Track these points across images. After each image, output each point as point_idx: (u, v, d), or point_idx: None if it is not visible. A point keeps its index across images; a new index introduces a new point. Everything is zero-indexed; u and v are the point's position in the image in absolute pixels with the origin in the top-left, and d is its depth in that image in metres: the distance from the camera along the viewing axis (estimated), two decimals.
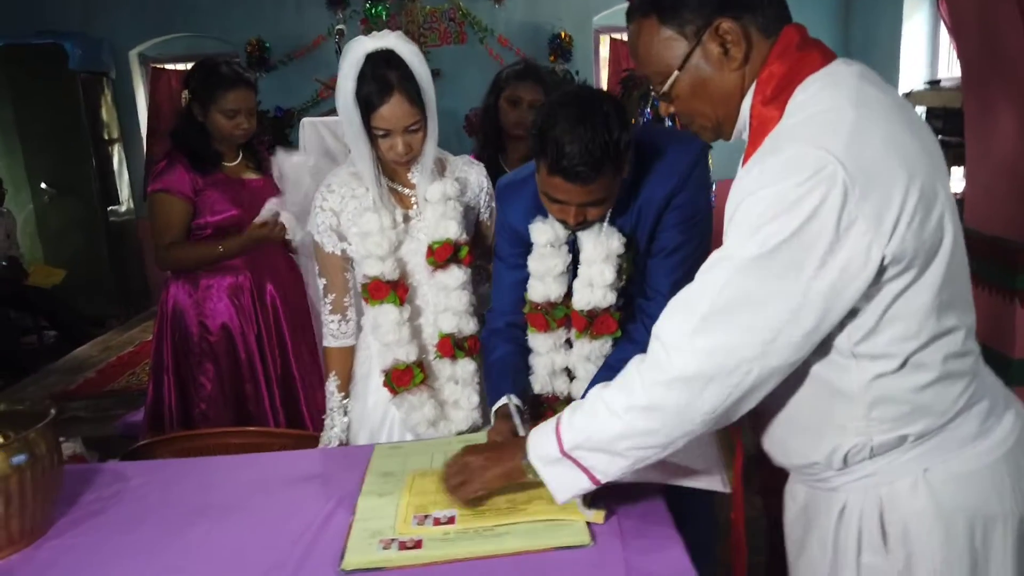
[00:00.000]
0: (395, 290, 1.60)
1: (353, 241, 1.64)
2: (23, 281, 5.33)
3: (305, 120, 3.71)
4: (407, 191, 1.67)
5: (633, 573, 1.05)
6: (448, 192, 1.63)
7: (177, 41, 6.54)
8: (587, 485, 1.08)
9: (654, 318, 1.44)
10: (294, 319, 2.54)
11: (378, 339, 1.63)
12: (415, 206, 1.67)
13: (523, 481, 1.16)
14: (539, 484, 1.13)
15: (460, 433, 1.64)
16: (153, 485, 1.45)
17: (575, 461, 1.06)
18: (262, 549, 1.19)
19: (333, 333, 1.74)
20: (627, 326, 1.49)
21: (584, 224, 1.38)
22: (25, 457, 1.23)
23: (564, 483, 1.09)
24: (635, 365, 1.02)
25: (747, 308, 0.89)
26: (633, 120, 5.37)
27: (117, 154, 6.57)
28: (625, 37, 7.28)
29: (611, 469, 1.05)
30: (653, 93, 1.07)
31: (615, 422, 1.00)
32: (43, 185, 5.99)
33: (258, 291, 2.47)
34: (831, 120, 0.88)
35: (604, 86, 6.46)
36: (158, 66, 6.65)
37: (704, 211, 1.45)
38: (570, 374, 1.56)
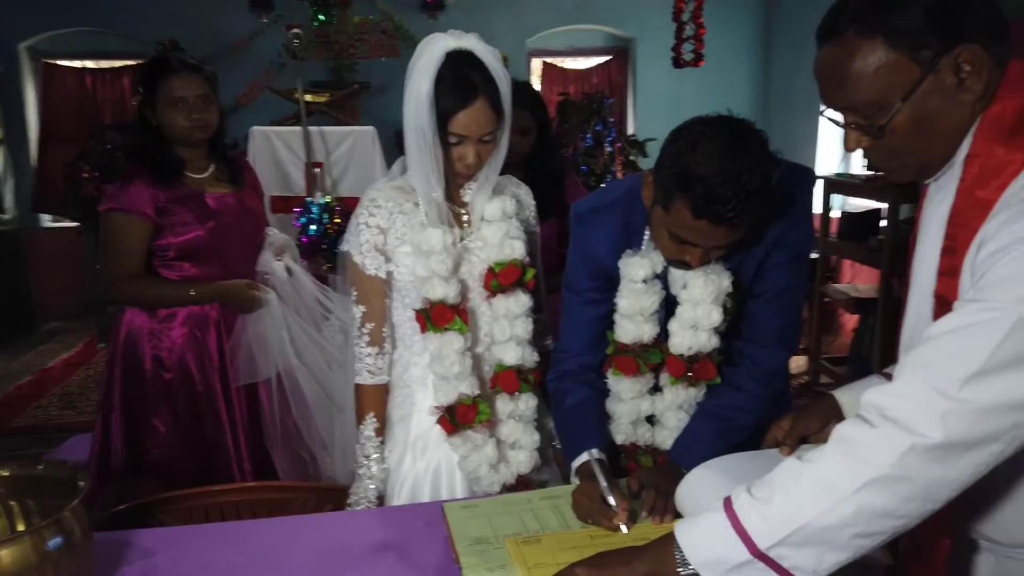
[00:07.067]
0: (459, 315, 1.45)
1: (402, 262, 1.47)
2: None
3: (255, 129, 3.47)
4: (457, 208, 1.53)
5: None
6: (508, 210, 1.50)
7: (76, 36, 5.98)
8: None
9: (760, 364, 1.38)
10: None
11: (439, 371, 1.46)
12: (466, 225, 1.53)
13: None
14: None
15: (521, 478, 1.51)
16: (187, 560, 1.22)
17: (772, 563, 0.87)
18: None
19: (370, 368, 1.54)
20: (724, 370, 1.39)
21: (702, 264, 1.27)
22: (61, 540, 1.00)
23: None
24: (864, 433, 0.86)
25: None
26: (572, 148, 5.36)
27: (2, 157, 5.92)
28: (558, 61, 7.13)
29: (821, 567, 0.87)
30: (850, 123, 0.96)
31: (842, 504, 0.84)
32: None
33: (227, 325, 2.20)
34: None
35: None
36: (51, 62, 6.06)
37: (809, 249, 1.39)
38: (650, 420, 1.46)
